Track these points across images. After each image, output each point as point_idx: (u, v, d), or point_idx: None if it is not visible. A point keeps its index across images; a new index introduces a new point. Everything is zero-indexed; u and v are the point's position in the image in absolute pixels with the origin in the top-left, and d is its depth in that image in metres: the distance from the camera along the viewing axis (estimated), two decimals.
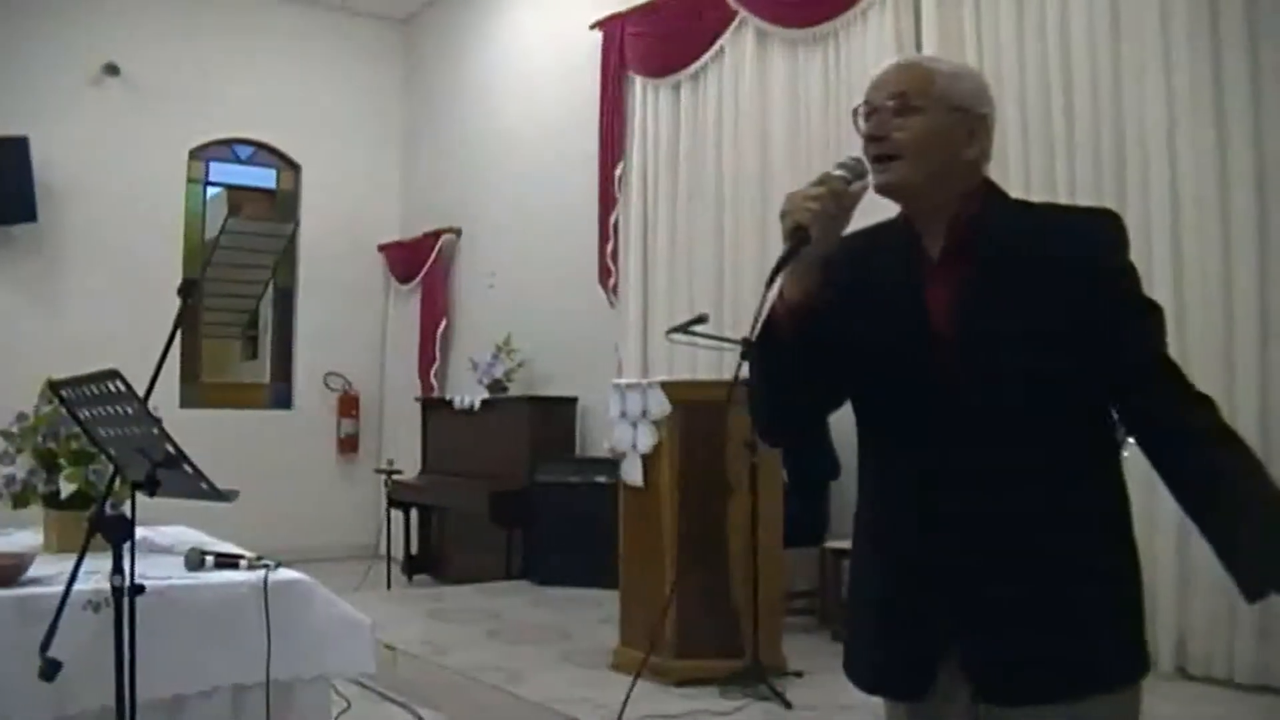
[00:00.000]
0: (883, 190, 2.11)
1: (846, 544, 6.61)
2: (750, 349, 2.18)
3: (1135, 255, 2.08)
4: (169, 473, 2.85)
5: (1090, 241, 2.05)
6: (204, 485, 2.88)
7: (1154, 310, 2.07)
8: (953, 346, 2.03)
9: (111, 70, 11.01)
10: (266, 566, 3.73)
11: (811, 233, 1.98)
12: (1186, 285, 5.56)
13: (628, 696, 3.50)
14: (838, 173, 2.05)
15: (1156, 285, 5.52)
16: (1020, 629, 1.98)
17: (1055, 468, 2.00)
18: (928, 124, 2.06)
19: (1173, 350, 2.07)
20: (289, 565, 3.87)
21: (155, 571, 3.49)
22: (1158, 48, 5.81)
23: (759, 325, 2.09)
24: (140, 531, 2.83)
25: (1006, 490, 2.00)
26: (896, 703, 2.18)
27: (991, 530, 2.00)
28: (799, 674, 5.71)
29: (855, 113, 2.14)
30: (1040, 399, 1.99)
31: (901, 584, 2.11)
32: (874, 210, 2.16)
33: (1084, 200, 5.86)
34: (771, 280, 2.03)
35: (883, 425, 2.17)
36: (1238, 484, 1.96)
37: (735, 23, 8.30)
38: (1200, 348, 5.45)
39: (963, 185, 2.10)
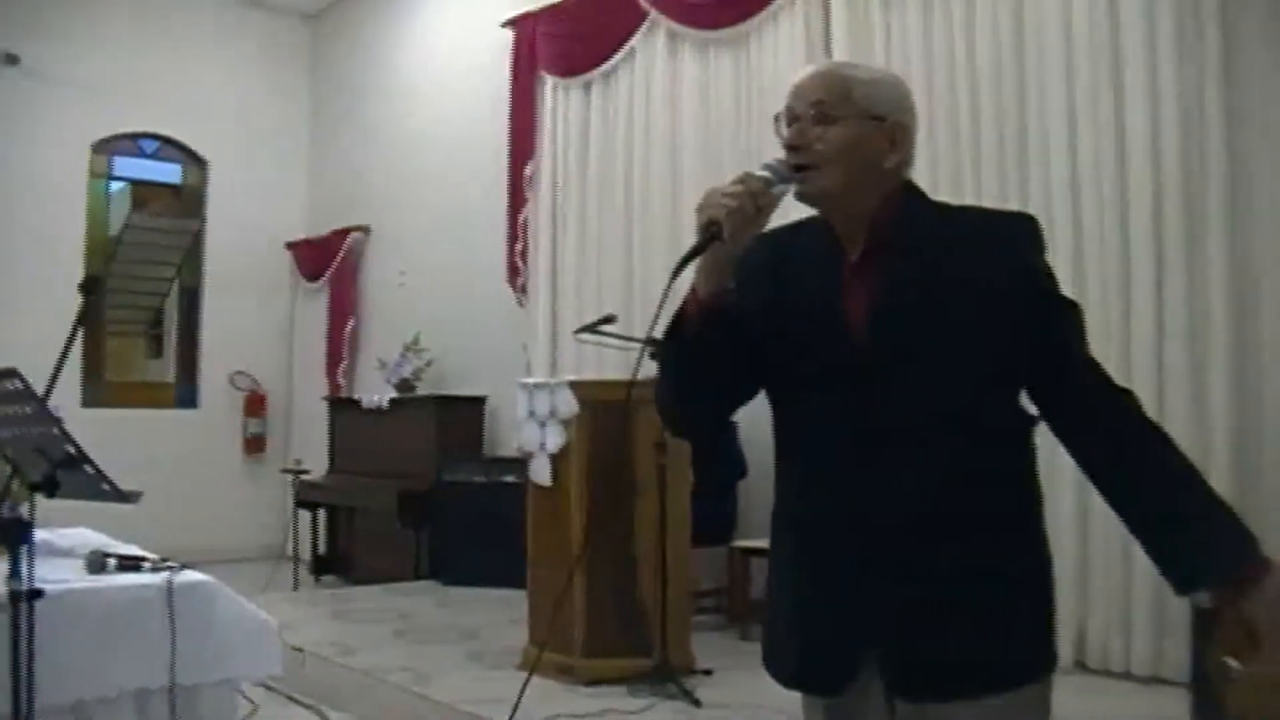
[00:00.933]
0: (803, 198, 2.12)
1: (755, 543, 6.69)
2: (656, 345, 2.18)
3: None
4: (69, 473, 2.81)
5: (1008, 243, 2.08)
6: (106, 486, 2.85)
7: (1073, 308, 2.12)
8: (869, 347, 2.04)
9: (10, 60, 10.76)
10: (171, 568, 3.69)
11: (724, 230, 1.98)
12: (1088, 284, 5.71)
13: (520, 694, 3.50)
14: (761, 173, 2.05)
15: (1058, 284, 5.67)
16: (935, 626, 2.00)
17: (970, 468, 2.02)
18: (846, 134, 2.06)
19: None
20: (194, 567, 3.83)
21: (55, 575, 3.43)
22: (1060, 48, 5.95)
23: (662, 318, 2.10)
24: (39, 534, 2.80)
25: (922, 489, 2.01)
26: (814, 699, 2.19)
27: (907, 529, 2.02)
28: (708, 672, 5.74)
29: (777, 118, 2.14)
30: (955, 399, 2.02)
31: (820, 581, 2.12)
32: (798, 210, 2.17)
33: (988, 198, 6.00)
34: (677, 272, 2.01)
35: (794, 423, 2.18)
36: (1165, 479, 2.01)
37: (646, 23, 8.32)
38: (1099, 347, 5.56)
39: (883, 190, 2.11)
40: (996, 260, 2.03)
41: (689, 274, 2.04)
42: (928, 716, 2.03)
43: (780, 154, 2.12)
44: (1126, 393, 2.09)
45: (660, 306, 2.09)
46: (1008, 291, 2.02)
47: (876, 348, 2.03)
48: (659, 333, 2.12)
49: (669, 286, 2.02)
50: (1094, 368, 2.10)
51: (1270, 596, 1.97)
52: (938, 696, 2.02)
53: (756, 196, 2.01)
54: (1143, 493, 2.02)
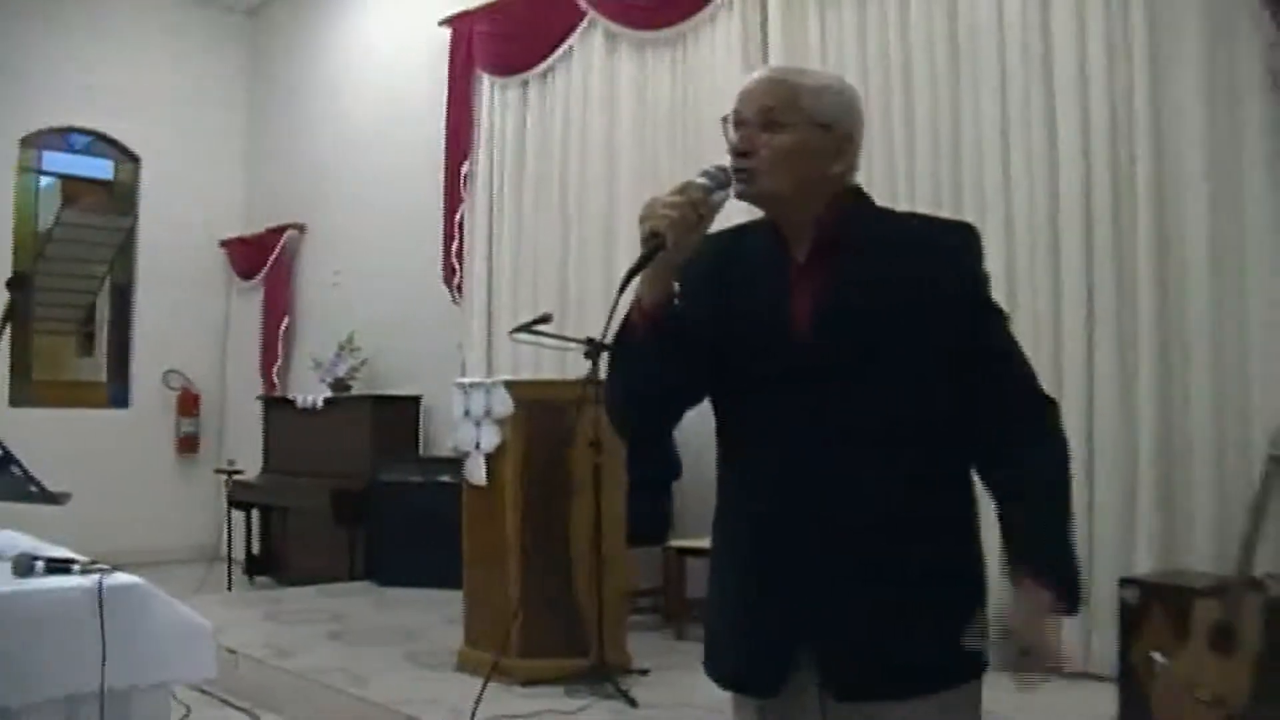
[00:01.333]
0: (745, 198, 2.14)
1: (690, 543, 6.71)
2: (597, 350, 2.22)
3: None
4: None
5: (953, 250, 2.13)
6: (34, 488, 2.82)
7: (1000, 314, 2.18)
8: (814, 347, 2.07)
9: None
10: (101, 571, 3.64)
11: (667, 240, 2.00)
12: (1018, 288, 5.78)
13: (478, 701, 3.51)
14: (700, 181, 2.07)
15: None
16: (874, 626, 2.03)
17: (908, 471, 2.05)
18: (792, 140, 2.09)
19: None
20: (126, 569, 3.78)
21: None
22: (993, 53, 6.03)
23: (612, 327, 2.12)
24: None
25: (860, 492, 2.04)
26: (747, 700, 2.21)
27: (844, 531, 2.04)
28: (644, 672, 5.76)
29: (725, 120, 2.16)
30: (900, 401, 2.05)
31: (759, 583, 2.14)
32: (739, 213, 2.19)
33: (921, 199, 6.07)
34: (624, 285, 2.06)
35: (741, 425, 2.20)
36: (1030, 487, 2.11)
37: (584, 23, 8.33)
38: (1030, 351, 5.65)
39: (828, 195, 2.14)
40: (942, 265, 2.08)
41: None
42: (861, 715, 2.06)
43: (720, 158, 2.15)
44: (1051, 404, 2.17)
45: (610, 317, 2.13)
46: (952, 296, 2.07)
47: (821, 348, 2.06)
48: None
49: (616, 299, 2.07)
50: (1021, 369, 2.17)
51: (1025, 610, 2.06)
52: (871, 696, 2.05)
53: (698, 205, 2.04)
54: (1013, 497, 2.12)
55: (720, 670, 2.23)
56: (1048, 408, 2.17)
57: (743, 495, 2.20)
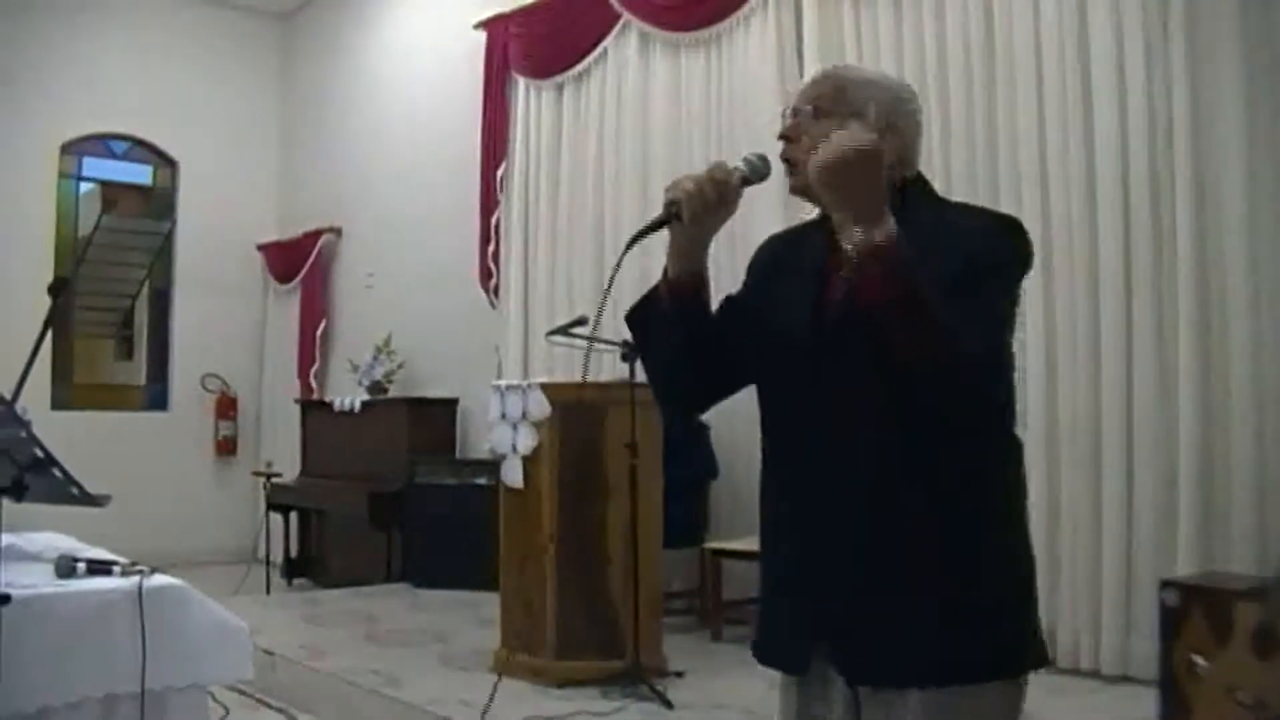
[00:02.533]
0: (794, 191, 2.16)
1: (726, 544, 6.70)
2: (634, 353, 2.25)
3: None
4: (38, 477, 2.79)
5: (974, 231, 2.06)
6: (74, 490, 2.83)
7: (1000, 289, 2.04)
8: (827, 344, 2.06)
9: None
10: (141, 572, 3.67)
11: (683, 212, 2.05)
12: (1055, 288, 5.73)
13: (491, 696, 3.50)
14: (737, 165, 2.12)
15: (1028, 295, 5.62)
16: (877, 626, 2.03)
17: (930, 464, 2.02)
18: (834, 129, 2.06)
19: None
20: (164, 571, 3.81)
21: (23, 579, 3.42)
22: (1029, 49, 5.99)
23: (626, 290, 2.15)
24: (7, 538, 2.78)
25: (881, 483, 2.03)
26: (787, 682, 2.22)
27: (865, 522, 2.04)
28: (680, 674, 5.74)
29: (783, 114, 2.21)
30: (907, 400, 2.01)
31: (786, 568, 2.18)
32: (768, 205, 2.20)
33: (956, 199, 6.02)
34: (630, 246, 2.09)
35: (769, 420, 2.22)
36: None
37: (619, 25, 8.33)
38: (1068, 349, 5.65)
39: None
40: (960, 250, 2.00)
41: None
42: (885, 698, 2.06)
43: (737, 156, 2.18)
44: (964, 365, 1.94)
45: (614, 272, 2.22)
46: (956, 274, 1.96)
47: (834, 345, 2.05)
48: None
49: (621, 257, 2.12)
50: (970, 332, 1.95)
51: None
52: (886, 683, 2.05)
53: (719, 184, 2.07)
54: None
55: (758, 647, 2.27)
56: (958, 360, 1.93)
57: (767, 494, 2.25)
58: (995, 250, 2.04)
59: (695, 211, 2.06)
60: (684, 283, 2.13)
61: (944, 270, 1.93)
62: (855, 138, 1.92)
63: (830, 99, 2.14)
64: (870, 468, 2.03)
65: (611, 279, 2.23)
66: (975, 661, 2.03)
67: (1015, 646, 2.09)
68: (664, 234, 2.11)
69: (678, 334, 2.16)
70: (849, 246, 1.91)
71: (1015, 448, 2.16)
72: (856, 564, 2.05)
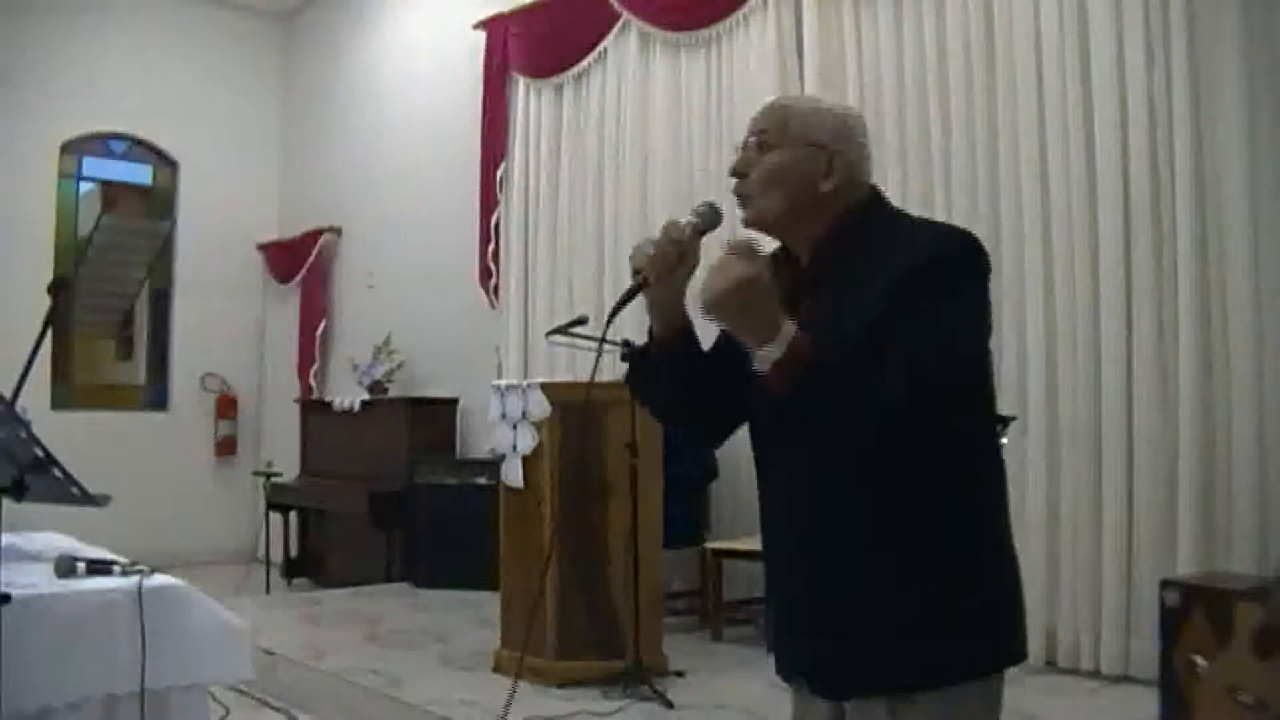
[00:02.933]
0: (747, 225, 2.21)
1: (727, 545, 6.69)
2: (629, 359, 2.29)
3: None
4: (38, 477, 2.79)
5: (923, 247, 2.04)
6: (75, 490, 2.83)
7: (952, 293, 1.99)
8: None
9: None
10: (141, 572, 3.67)
11: (649, 277, 2.14)
12: (1056, 289, 5.72)
13: (510, 701, 3.50)
14: (689, 219, 2.18)
15: (1028, 296, 5.72)
16: (849, 626, 2.05)
17: (895, 475, 2.00)
18: (779, 159, 2.14)
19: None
20: (165, 570, 3.81)
21: (23, 579, 3.42)
22: (1029, 49, 5.98)
23: (623, 349, 2.20)
24: (7, 538, 2.78)
25: (849, 497, 2.03)
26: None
27: (833, 534, 2.06)
28: (680, 674, 5.74)
29: (735, 149, 2.26)
30: (865, 430, 1.98)
31: (771, 581, 2.27)
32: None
33: (958, 200, 6.04)
34: (609, 320, 2.20)
35: (755, 434, 2.26)
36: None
37: (619, 25, 8.33)
38: (1069, 352, 5.63)
39: (826, 214, 2.14)
40: (902, 267, 1.98)
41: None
42: (865, 706, 2.08)
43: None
44: (939, 392, 1.95)
45: (602, 340, 2.34)
46: (896, 292, 1.95)
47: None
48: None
49: (605, 330, 2.24)
50: (938, 349, 1.96)
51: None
52: (859, 696, 2.09)
53: (678, 243, 2.15)
54: None
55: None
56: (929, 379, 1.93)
57: (761, 496, 2.29)
58: (954, 253, 2.05)
59: (660, 273, 2.14)
60: (669, 337, 2.21)
61: (899, 280, 1.96)
62: (729, 273, 1.94)
63: (776, 132, 2.17)
64: (845, 479, 2.04)
65: (598, 355, 2.33)
66: (947, 666, 2.03)
67: (989, 649, 2.08)
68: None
69: (676, 387, 2.25)
70: (755, 366, 1.96)
71: (993, 451, 2.15)
72: (843, 570, 2.06)
